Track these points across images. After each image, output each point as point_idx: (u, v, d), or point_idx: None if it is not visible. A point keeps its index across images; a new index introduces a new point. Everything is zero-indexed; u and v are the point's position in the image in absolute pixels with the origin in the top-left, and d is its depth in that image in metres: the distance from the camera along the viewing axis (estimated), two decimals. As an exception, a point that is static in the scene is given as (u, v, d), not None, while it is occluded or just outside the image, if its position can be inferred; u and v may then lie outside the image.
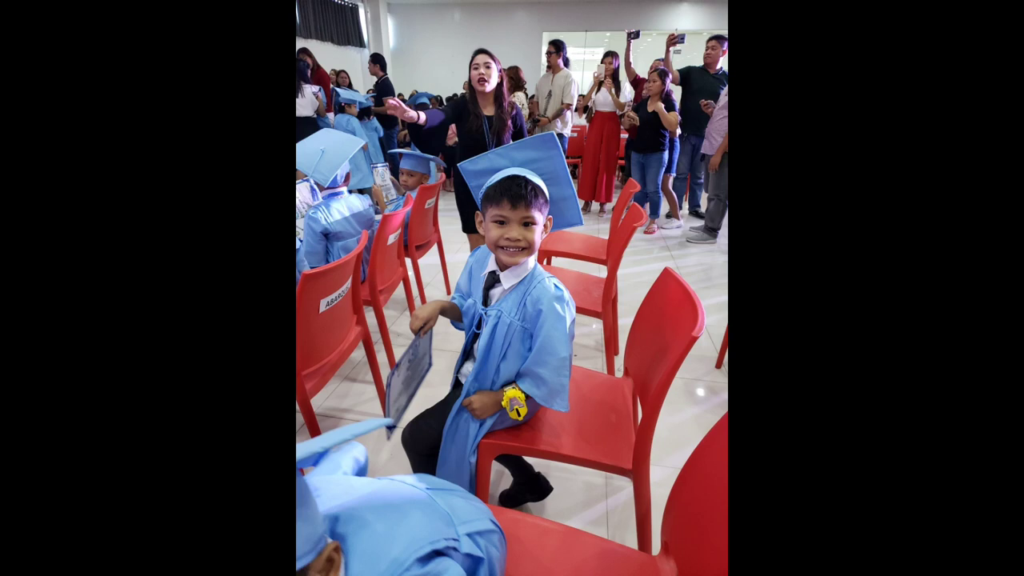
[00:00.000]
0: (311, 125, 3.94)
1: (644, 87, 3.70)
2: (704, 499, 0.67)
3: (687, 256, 3.46)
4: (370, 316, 1.76)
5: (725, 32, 4.09)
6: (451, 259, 2.83)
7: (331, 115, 4.42)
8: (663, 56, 4.14)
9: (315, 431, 1.31)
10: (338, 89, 4.57)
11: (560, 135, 4.13)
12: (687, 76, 3.85)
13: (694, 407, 1.78)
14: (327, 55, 7.26)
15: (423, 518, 0.57)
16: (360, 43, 9.01)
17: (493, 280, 1.02)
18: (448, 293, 2.71)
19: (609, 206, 4.60)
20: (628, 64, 4.14)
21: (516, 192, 0.92)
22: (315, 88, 4.13)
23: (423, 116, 2.11)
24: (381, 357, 1.86)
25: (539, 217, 0.96)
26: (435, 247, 2.64)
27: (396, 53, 9.55)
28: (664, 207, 4.29)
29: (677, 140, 3.83)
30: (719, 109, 3.43)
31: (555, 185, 1.03)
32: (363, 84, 8.31)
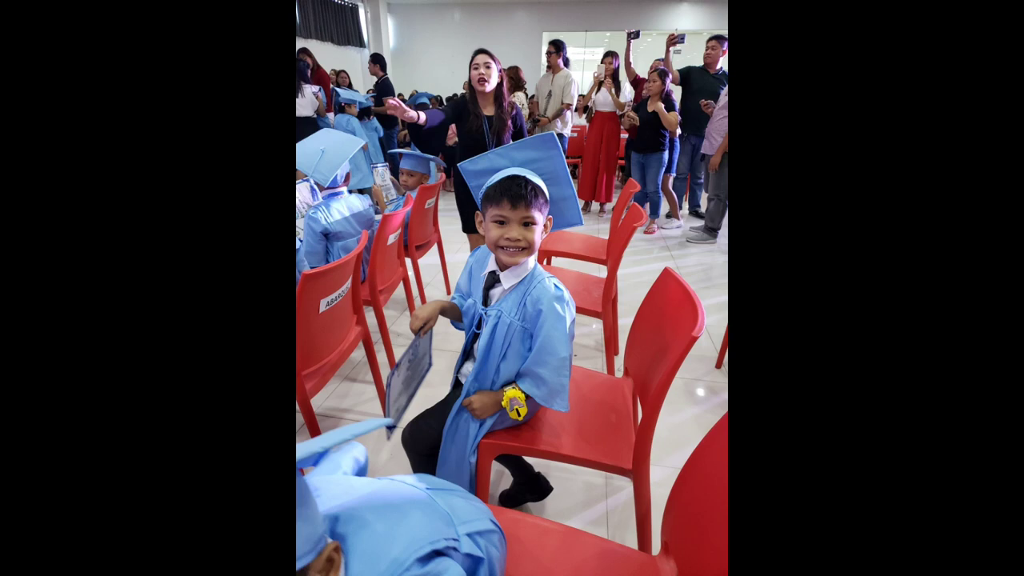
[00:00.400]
0: (311, 125, 3.94)
1: (644, 87, 3.70)
2: (704, 499, 0.67)
3: (687, 256, 3.46)
4: (370, 316, 1.76)
5: (725, 32, 4.09)
6: (451, 259, 2.83)
7: (331, 115, 4.42)
8: (663, 56, 4.14)
9: (315, 431, 1.30)
10: (338, 89, 4.57)
11: (560, 135, 4.13)
12: (687, 76, 3.85)
13: (694, 407, 1.78)
14: (327, 55, 7.26)
15: (423, 518, 0.57)
16: (360, 43, 9.01)
17: (493, 280, 1.02)
18: (448, 293, 2.71)
19: (609, 206, 4.60)
20: (628, 64, 4.14)
21: (516, 192, 0.92)
22: (315, 88, 4.13)
23: (423, 116, 2.11)
24: (381, 357, 1.86)
25: (539, 217, 0.96)
26: (435, 247, 2.64)
27: (396, 53, 9.56)
28: (664, 207, 4.29)
29: (677, 140, 3.83)
30: (719, 109, 3.43)
31: (555, 185, 1.03)
32: (363, 84, 8.31)
